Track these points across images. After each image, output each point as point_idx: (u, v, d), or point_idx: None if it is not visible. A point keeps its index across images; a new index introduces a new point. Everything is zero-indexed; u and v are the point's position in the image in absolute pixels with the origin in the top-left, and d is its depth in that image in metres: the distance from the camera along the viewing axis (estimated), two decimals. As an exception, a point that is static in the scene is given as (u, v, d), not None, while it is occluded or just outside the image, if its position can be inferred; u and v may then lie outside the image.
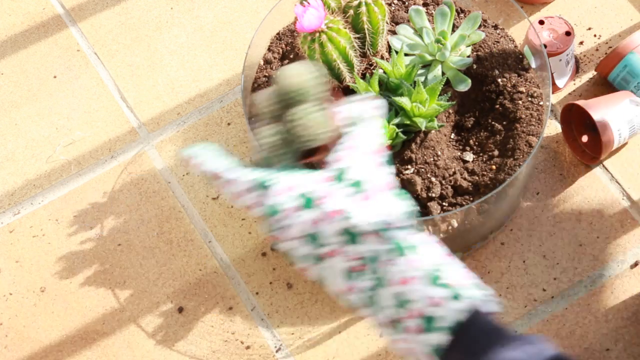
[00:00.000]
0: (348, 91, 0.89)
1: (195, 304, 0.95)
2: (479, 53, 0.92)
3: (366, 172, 0.62)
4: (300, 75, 0.63)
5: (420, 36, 0.91)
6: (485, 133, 0.90)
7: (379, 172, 0.63)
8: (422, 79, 0.88)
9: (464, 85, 0.88)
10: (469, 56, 0.91)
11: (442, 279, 0.58)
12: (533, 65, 0.93)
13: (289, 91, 0.63)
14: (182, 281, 0.96)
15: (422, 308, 0.58)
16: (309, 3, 0.81)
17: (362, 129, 0.65)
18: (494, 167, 0.87)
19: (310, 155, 0.66)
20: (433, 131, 0.86)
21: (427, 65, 0.90)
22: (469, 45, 0.91)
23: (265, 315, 0.94)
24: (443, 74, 0.89)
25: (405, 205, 0.62)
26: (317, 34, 0.82)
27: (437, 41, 0.88)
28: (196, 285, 0.96)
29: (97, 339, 0.94)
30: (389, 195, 0.62)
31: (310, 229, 0.62)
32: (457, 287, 0.58)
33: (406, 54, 0.89)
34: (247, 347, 0.92)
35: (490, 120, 0.91)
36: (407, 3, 0.97)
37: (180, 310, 0.94)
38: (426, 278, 0.58)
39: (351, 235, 0.60)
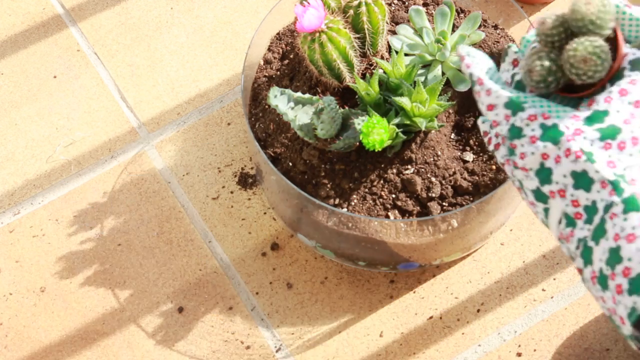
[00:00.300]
0: (348, 91, 0.89)
1: (195, 304, 0.95)
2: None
3: (626, 124, 0.60)
4: (601, 3, 0.60)
5: (420, 36, 0.91)
6: (485, 133, 0.90)
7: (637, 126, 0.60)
8: (422, 79, 0.88)
9: (464, 85, 0.88)
10: (469, 56, 0.91)
11: None
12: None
13: (583, 17, 0.60)
14: (182, 281, 0.96)
15: (635, 267, 0.55)
16: (309, 3, 0.81)
17: None
18: (494, 167, 0.87)
19: (579, 91, 0.63)
20: (433, 131, 0.86)
21: (427, 65, 0.90)
22: (469, 45, 0.91)
23: (265, 315, 0.94)
24: (443, 74, 0.89)
25: None
26: (317, 34, 0.82)
27: (437, 41, 0.88)
28: (196, 285, 0.96)
29: (97, 339, 0.94)
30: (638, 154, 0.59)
31: (548, 163, 0.60)
32: None
33: (406, 54, 0.89)
34: (247, 347, 0.92)
35: (490, 120, 0.91)
36: (407, 3, 0.97)
37: (180, 310, 0.94)
38: None
39: (585, 180, 0.59)
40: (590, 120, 0.61)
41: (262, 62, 0.96)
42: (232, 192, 1.01)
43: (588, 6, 0.60)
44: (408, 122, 0.83)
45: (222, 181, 1.02)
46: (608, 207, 0.58)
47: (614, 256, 0.56)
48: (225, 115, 1.06)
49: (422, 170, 0.85)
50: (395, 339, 0.92)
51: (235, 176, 1.02)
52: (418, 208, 0.85)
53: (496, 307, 0.93)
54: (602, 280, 0.58)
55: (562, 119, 0.61)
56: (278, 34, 0.98)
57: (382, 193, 0.85)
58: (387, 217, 0.84)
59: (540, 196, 0.63)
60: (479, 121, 0.68)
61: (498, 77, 0.66)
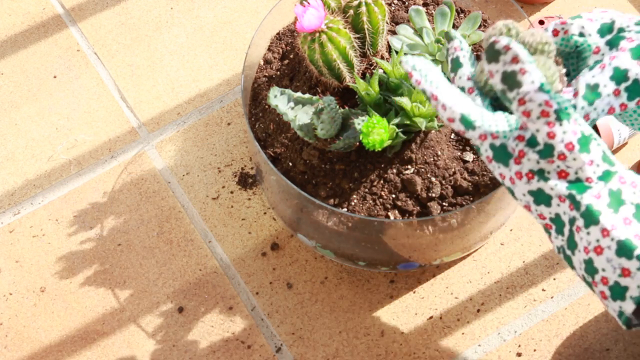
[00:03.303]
0: (348, 91, 0.89)
1: (195, 304, 0.95)
2: (479, 53, 0.92)
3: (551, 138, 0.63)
4: (545, 34, 0.64)
5: (420, 36, 0.91)
6: (485, 133, 0.90)
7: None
8: (422, 79, 0.88)
9: (464, 85, 0.88)
10: (469, 56, 0.91)
11: (637, 249, 0.58)
12: (533, 65, 0.93)
13: (531, 42, 0.63)
14: (182, 281, 0.96)
15: (610, 276, 0.58)
16: (309, 3, 0.81)
17: None
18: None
19: None
20: (433, 131, 0.86)
21: (427, 65, 0.90)
22: (469, 46, 0.91)
23: (265, 315, 0.94)
24: (443, 73, 0.89)
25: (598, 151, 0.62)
26: (317, 34, 0.82)
27: (437, 41, 0.88)
28: (196, 285, 0.96)
29: (97, 339, 0.94)
30: (579, 154, 0.62)
31: (507, 183, 0.63)
32: None
33: (406, 54, 0.89)
34: (248, 347, 0.92)
35: (490, 120, 0.91)
36: (407, 3, 0.97)
37: (180, 310, 0.94)
38: (619, 249, 0.58)
39: (544, 197, 0.61)
40: (530, 143, 0.63)
41: (262, 62, 0.96)
42: (232, 192, 1.01)
43: (537, 33, 0.64)
44: (408, 122, 0.83)
45: (222, 181, 1.02)
46: (572, 220, 0.61)
47: (590, 267, 0.59)
48: (225, 115, 1.06)
49: (422, 170, 0.85)
50: (395, 339, 0.92)
51: (235, 176, 1.02)
52: (418, 208, 0.85)
53: (496, 307, 0.93)
54: (588, 285, 0.61)
55: (508, 141, 0.63)
56: (278, 34, 0.98)
57: (382, 193, 0.85)
58: (387, 217, 0.84)
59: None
60: None
61: (448, 81, 0.67)
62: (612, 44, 0.66)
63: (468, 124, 0.63)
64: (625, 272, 0.59)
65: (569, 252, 0.62)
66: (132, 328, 0.94)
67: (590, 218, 0.60)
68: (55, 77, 1.10)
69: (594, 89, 0.66)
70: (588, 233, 0.60)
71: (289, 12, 0.96)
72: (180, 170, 1.03)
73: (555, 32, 0.68)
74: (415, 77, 0.64)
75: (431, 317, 0.93)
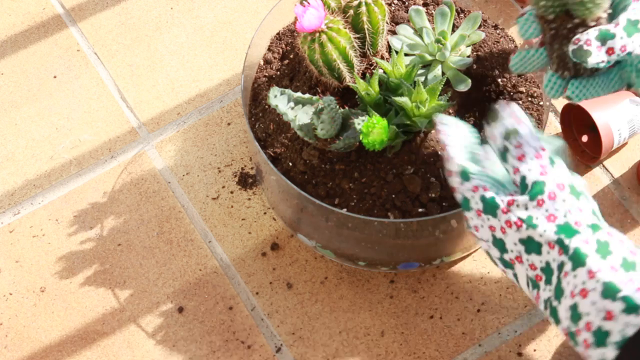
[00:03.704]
0: (348, 91, 0.89)
1: (195, 304, 0.95)
2: (479, 53, 0.92)
3: (543, 175, 0.64)
4: None
5: (420, 36, 0.91)
6: (485, 133, 0.90)
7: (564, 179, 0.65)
8: (422, 79, 0.88)
9: (464, 86, 0.88)
10: (469, 56, 0.91)
11: (622, 291, 0.58)
12: (533, 65, 0.93)
13: None
14: (182, 281, 0.96)
15: (594, 320, 0.58)
16: (309, 3, 0.81)
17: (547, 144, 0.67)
18: (494, 167, 0.87)
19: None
20: (433, 131, 0.86)
21: (427, 65, 0.90)
22: (469, 45, 0.91)
23: (265, 315, 0.94)
24: (443, 74, 0.89)
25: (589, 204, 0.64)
26: (317, 34, 0.82)
27: (437, 41, 0.88)
28: (196, 285, 0.96)
29: (97, 339, 0.94)
30: (570, 196, 0.63)
31: (498, 234, 0.64)
32: (636, 298, 0.57)
33: (406, 54, 0.89)
34: (248, 347, 0.92)
35: (490, 120, 0.91)
36: (407, 3, 0.97)
37: (180, 310, 0.94)
38: (604, 290, 0.58)
39: (534, 245, 0.62)
40: (521, 188, 0.65)
41: (262, 62, 0.96)
42: (232, 192, 1.01)
43: None
44: (408, 122, 0.83)
45: (222, 181, 1.02)
46: (560, 266, 0.61)
47: (575, 313, 0.59)
48: (225, 115, 1.06)
49: (422, 170, 0.85)
50: (395, 339, 0.92)
51: (235, 176, 1.02)
52: (418, 208, 0.85)
53: (496, 307, 0.93)
54: (572, 337, 0.60)
55: (499, 193, 0.65)
56: (278, 34, 0.98)
57: (382, 193, 0.85)
58: (387, 217, 0.84)
59: (505, 264, 0.66)
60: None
61: (472, 148, 0.69)
62: None
63: (464, 175, 0.67)
64: (608, 315, 0.58)
65: (555, 303, 0.62)
66: (132, 328, 0.94)
67: (578, 260, 0.60)
68: (55, 77, 1.10)
69: (634, 24, 0.67)
70: (575, 276, 0.60)
71: (289, 12, 0.96)
72: (180, 170, 1.03)
73: None
74: (439, 127, 0.69)
75: (431, 317, 0.93)
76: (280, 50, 0.97)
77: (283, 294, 0.95)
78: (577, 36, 0.68)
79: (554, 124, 1.02)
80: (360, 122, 0.82)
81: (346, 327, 0.93)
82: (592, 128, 1.00)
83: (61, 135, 1.06)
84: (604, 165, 1.00)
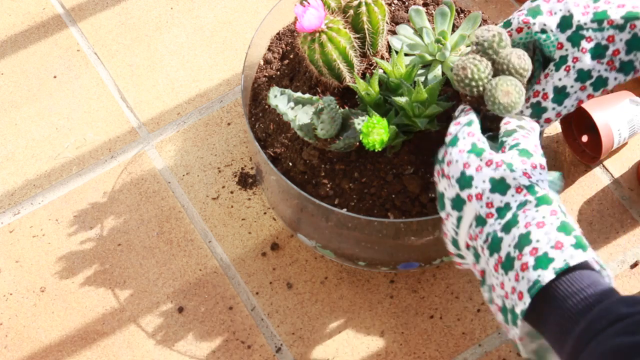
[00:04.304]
0: (348, 91, 0.89)
1: (195, 304, 0.95)
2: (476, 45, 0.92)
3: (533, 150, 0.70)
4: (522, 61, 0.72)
5: (420, 36, 0.91)
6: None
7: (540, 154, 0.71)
8: (422, 79, 0.88)
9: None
10: (469, 56, 0.91)
11: (576, 231, 0.64)
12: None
13: (511, 64, 0.71)
14: (182, 281, 0.96)
15: (542, 247, 0.62)
16: (309, 3, 0.81)
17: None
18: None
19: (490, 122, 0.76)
20: (433, 131, 0.86)
21: (427, 65, 0.90)
22: (469, 45, 0.91)
23: (265, 315, 0.94)
24: (443, 74, 0.89)
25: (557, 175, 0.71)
26: (317, 34, 0.82)
27: (437, 41, 0.88)
28: (196, 285, 0.96)
29: (97, 339, 0.94)
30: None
31: (469, 171, 0.68)
32: (582, 238, 0.64)
33: (406, 54, 0.89)
34: (248, 347, 0.92)
35: (490, 120, 0.91)
36: (407, 3, 0.97)
37: (180, 310, 0.94)
38: (561, 227, 0.64)
39: (502, 186, 0.67)
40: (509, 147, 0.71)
41: (262, 62, 0.96)
42: (232, 192, 1.01)
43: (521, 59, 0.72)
44: (408, 122, 0.83)
45: (222, 181, 1.02)
46: (522, 204, 0.65)
47: (524, 240, 0.63)
48: (225, 115, 1.06)
49: (422, 170, 0.85)
50: (395, 339, 0.92)
51: (235, 176, 1.02)
52: (418, 208, 0.84)
53: (496, 307, 0.93)
54: (508, 263, 0.64)
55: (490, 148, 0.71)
56: (278, 34, 0.98)
57: (382, 193, 0.85)
58: (387, 217, 0.84)
59: (457, 203, 0.70)
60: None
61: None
62: (574, 42, 0.73)
63: (469, 123, 0.73)
64: (558, 245, 0.62)
65: (501, 234, 0.65)
66: (132, 328, 0.94)
67: (545, 201, 0.65)
68: (55, 77, 1.10)
69: (561, 90, 0.75)
70: (537, 211, 0.65)
71: (289, 12, 0.96)
72: (180, 170, 1.03)
73: (519, 30, 0.75)
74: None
75: (431, 317, 0.93)
76: (280, 50, 0.97)
77: (283, 294, 0.95)
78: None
79: (554, 124, 1.02)
80: (360, 122, 0.82)
81: (346, 327, 0.93)
82: (592, 128, 1.00)
83: (61, 135, 1.06)
84: (604, 165, 1.00)
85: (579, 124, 1.00)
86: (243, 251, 0.97)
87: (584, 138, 1.01)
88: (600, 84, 0.75)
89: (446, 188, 0.71)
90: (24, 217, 1.01)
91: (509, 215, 0.65)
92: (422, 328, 0.92)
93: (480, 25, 0.94)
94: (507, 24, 0.76)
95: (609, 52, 0.73)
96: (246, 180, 1.01)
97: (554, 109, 0.76)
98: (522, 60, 0.72)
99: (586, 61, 0.73)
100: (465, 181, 0.68)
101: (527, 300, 0.61)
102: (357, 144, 0.84)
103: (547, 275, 0.61)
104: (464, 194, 0.68)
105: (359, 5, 0.84)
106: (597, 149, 0.98)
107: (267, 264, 0.96)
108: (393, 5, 0.96)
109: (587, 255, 0.62)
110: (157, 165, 1.03)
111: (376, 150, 0.80)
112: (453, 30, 0.93)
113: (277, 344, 0.92)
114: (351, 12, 0.85)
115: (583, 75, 0.74)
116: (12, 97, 1.09)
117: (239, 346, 0.92)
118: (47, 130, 1.06)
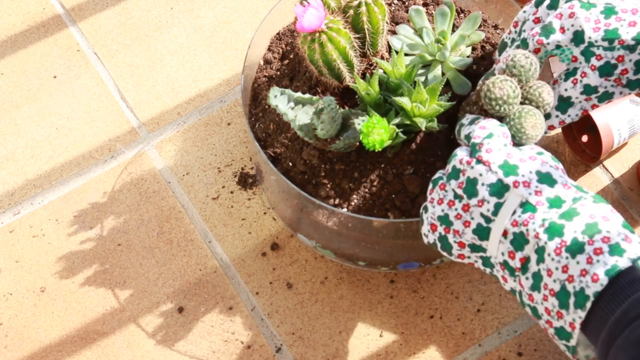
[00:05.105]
0: (348, 91, 0.89)
1: (195, 304, 0.95)
2: (479, 53, 0.92)
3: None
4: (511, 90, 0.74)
5: (420, 36, 0.91)
6: (485, 133, 0.90)
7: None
8: (422, 79, 0.88)
9: (463, 89, 0.88)
10: (468, 56, 0.91)
11: (635, 231, 0.66)
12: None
13: (541, 99, 0.75)
14: (182, 281, 0.96)
15: (614, 238, 0.64)
16: (309, 3, 0.81)
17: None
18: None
19: None
20: (433, 131, 0.86)
21: (427, 65, 0.90)
22: (469, 45, 0.91)
23: (265, 315, 0.94)
24: (443, 74, 0.89)
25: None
26: (317, 34, 0.82)
27: (437, 41, 0.88)
28: (196, 285, 0.96)
29: (97, 339, 0.94)
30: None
31: (514, 161, 0.70)
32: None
33: (406, 54, 0.89)
34: (248, 347, 0.92)
35: (490, 120, 0.91)
36: (407, 3, 0.97)
37: (180, 310, 0.94)
38: (624, 224, 0.66)
39: (549, 180, 0.68)
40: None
41: (262, 62, 0.96)
42: (232, 192, 1.01)
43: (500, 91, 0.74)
44: (408, 122, 0.83)
45: (222, 181, 1.02)
46: (577, 199, 0.68)
47: (593, 228, 0.65)
48: (225, 115, 1.06)
49: (422, 170, 0.85)
50: (395, 339, 0.92)
51: (235, 176, 1.02)
52: (418, 208, 0.84)
53: (496, 307, 0.93)
54: (575, 246, 0.65)
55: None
56: (278, 34, 0.98)
57: (382, 193, 0.85)
58: (387, 217, 0.84)
59: (499, 189, 0.69)
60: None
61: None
62: (586, 57, 0.76)
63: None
64: (627, 239, 0.64)
65: (561, 221, 0.66)
66: (132, 328, 0.94)
67: (600, 199, 0.68)
68: (55, 77, 1.10)
69: (566, 100, 0.78)
70: (597, 207, 0.67)
71: (289, 12, 0.96)
72: (180, 170, 1.03)
73: (537, 50, 0.78)
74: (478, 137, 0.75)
75: (431, 317, 0.93)
76: (280, 50, 0.97)
77: (283, 294, 0.95)
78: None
79: (554, 124, 1.02)
80: (360, 122, 0.82)
81: (346, 327, 0.93)
82: (592, 128, 1.00)
83: (61, 135, 1.06)
84: (604, 165, 1.00)
85: (579, 124, 1.00)
86: (243, 251, 0.97)
87: (584, 138, 1.01)
88: (605, 97, 0.77)
89: (482, 174, 0.70)
90: (24, 217, 1.01)
91: (565, 206, 0.67)
92: (422, 328, 0.92)
93: (480, 26, 0.94)
94: (525, 44, 0.78)
95: (618, 70, 0.75)
96: (246, 180, 1.01)
97: (557, 116, 0.79)
98: (550, 97, 0.75)
99: (594, 78, 0.76)
100: (510, 168, 0.69)
101: (604, 281, 0.62)
102: (357, 144, 0.84)
103: (623, 262, 0.62)
104: (509, 180, 0.69)
105: (359, 5, 0.84)
106: (597, 149, 0.98)
107: (267, 264, 0.96)
108: (393, 5, 0.96)
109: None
110: (157, 165, 1.03)
111: (376, 150, 0.80)
112: (453, 30, 0.93)
113: (277, 344, 0.92)
114: (351, 12, 0.85)
115: (589, 90, 0.76)
116: (12, 97, 1.09)
117: (239, 346, 0.92)
118: (47, 130, 1.06)
